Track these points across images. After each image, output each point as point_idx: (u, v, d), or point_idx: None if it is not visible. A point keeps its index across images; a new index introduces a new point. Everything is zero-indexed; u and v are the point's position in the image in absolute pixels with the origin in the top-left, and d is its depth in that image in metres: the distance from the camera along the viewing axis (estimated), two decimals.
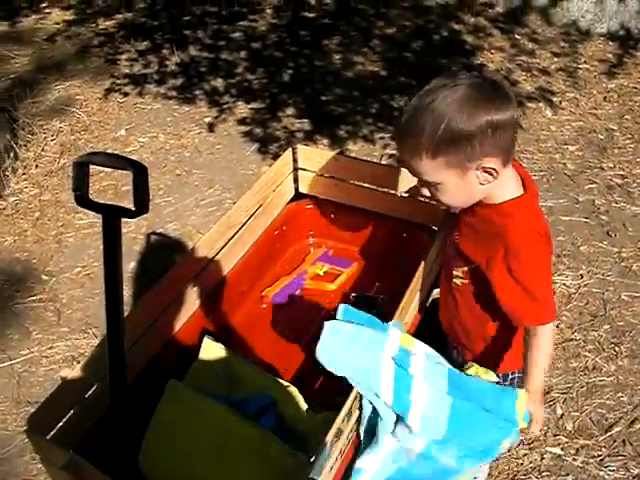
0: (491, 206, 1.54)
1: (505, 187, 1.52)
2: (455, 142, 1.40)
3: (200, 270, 2.10)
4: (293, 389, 1.80)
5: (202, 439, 1.62)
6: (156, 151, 3.93)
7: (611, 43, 4.73)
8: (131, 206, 1.12)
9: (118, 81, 4.63)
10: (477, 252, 1.59)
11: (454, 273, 1.70)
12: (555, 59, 4.58)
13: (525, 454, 2.25)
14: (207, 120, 4.17)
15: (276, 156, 3.56)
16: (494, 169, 1.44)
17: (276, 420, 1.68)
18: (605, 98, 4.18)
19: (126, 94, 4.49)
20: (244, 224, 2.22)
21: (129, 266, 3.10)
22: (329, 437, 1.41)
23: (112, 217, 1.13)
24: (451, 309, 1.78)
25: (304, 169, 2.39)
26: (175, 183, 3.67)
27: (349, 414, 1.50)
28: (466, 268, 1.65)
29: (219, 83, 4.52)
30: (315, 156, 2.37)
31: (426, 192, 1.55)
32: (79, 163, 1.12)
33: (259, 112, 4.19)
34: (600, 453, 2.26)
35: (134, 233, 3.32)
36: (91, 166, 1.13)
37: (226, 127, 4.10)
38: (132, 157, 3.52)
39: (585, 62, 4.54)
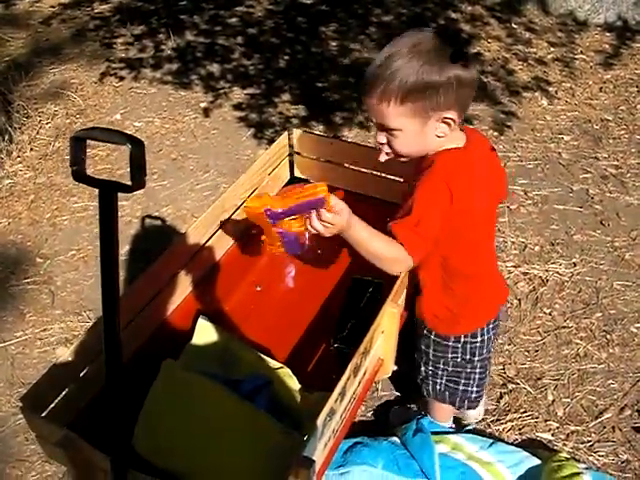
0: (426, 157, 1.63)
1: (446, 144, 1.61)
2: (424, 91, 1.49)
3: (195, 253, 2.11)
4: (287, 370, 1.81)
5: (197, 418, 1.63)
6: (151, 135, 3.92)
7: (608, 34, 4.73)
8: (128, 182, 1.12)
9: (114, 65, 4.62)
10: None
11: None
12: (552, 49, 4.58)
13: (515, 439, 2.27)
14: (203, 105, 4.17)
15: (271, 141, 3.56)
16: (453, 119, 1.54)
17: (270, 400, 1.69)
18: (601, 89, 4.18)
19: (122, 78, 4.49)
20: (239, 207, 2.23)
21: (124, 249, 3.10)
22: (322, 416, 1.42)
23: (109, 192, 1.12)
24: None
25: (300, 153, 2.40)
26: (170, 167, 3.67)
27: (342, 394, 1.51)
28: None
29: (215, 68, 4.51)
30: (311, 140, 2.38)
31: (380, 139, 1.63)
32: (76, 138, 1.11)
33: (255, 97, 4.18)
34: (590, 439, 2.28)
35: (129, 217, 3.32)
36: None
37: (222, 112, 4.09)
38: None
39: (581, 52, 4.54)
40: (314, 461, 1.37)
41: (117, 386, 1.31)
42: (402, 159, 1.67)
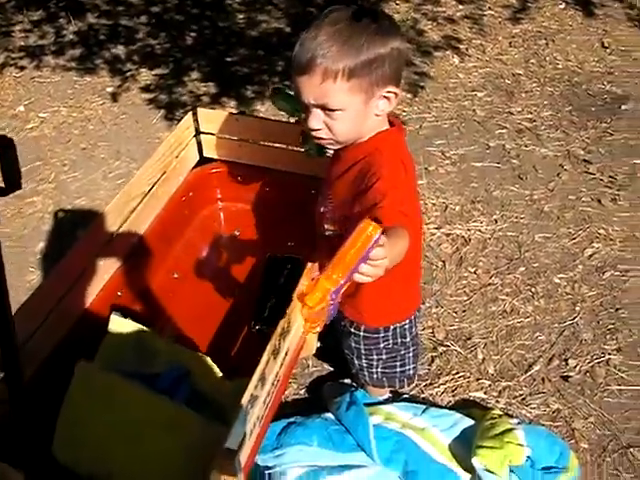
0: (359, 145, 1.55)
1: (380, 126, 1.55)
2: (370, 64, 1.42)
3: (106, 243, 2.03)
4: (207, 359, 1.76)
5: (115, 420, 1.57)
6: (58, 126, 3.77)
7: None
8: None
9: (13, 55, 4.41)
10: (347, 197, 1.54)
11: (326, 227, 1.68)
12: (460, 7, 4.57)
13: (449, 401, 2.28)
14: (110, 90, 4.02)
15: None
16: (395, 93, 1.48)
17: (190, 391, 1.64)
18: (510, 43, 4.20)
19: (22, 68, 4.28)
20: (148, 193, 2.15)
21: (37, 247, 2.99)
22: (243, 404, 1.38)
23: None
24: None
25: (207, 132, 2.33)
26: (80, 157, 3.54)
27: (262, 379, 1.47)
28: (336, 216, 1.63)
29: (120, 50, 4.35)
30: (217, 118, 2.31)
31: (316, 124, 1.50)
32: None
33: (163, 78, 4.06)
34: (522, 392, 2.30)
35: (40, 212, 3.19)
36: None
37: (130, 96, 3.96)
38: (33, 134, 3.36)
39: (490, 8, 4.55)
40: (237, 452, 1.33)
41: (19, 396, 1.24)
42: (335, 146, 1.58)
